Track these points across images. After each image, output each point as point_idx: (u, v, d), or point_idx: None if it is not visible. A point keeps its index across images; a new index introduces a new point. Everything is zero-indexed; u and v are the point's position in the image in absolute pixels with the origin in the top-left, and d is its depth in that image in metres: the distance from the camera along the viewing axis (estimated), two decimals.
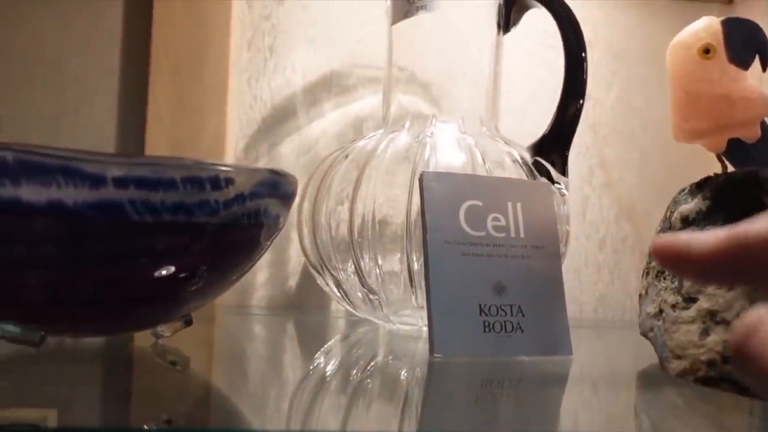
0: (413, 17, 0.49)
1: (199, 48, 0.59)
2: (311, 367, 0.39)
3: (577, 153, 0.66)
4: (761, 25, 0.64)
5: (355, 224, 0.44)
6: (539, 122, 0.48)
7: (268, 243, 0.37)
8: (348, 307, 0.48)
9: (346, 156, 0.47)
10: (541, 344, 0.40)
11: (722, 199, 0.34)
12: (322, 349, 0.46)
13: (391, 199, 0.44)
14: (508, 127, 0.51)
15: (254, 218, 0.33)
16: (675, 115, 0.36)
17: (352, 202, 0.44)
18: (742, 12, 0.67)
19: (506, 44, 0.63)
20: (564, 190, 0.47)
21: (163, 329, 0.37)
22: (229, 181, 0.31)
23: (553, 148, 0.47)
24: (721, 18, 0.34)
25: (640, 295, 0.41)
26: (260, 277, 0.61)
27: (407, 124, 0.48)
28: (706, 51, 0.34)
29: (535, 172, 0.46)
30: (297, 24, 0.62)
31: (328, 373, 0.37)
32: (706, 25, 0.34)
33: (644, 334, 0.39)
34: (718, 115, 0.35)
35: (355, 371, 0.37)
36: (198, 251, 0.33)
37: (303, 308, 0.61)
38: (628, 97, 0.66)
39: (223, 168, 0.31)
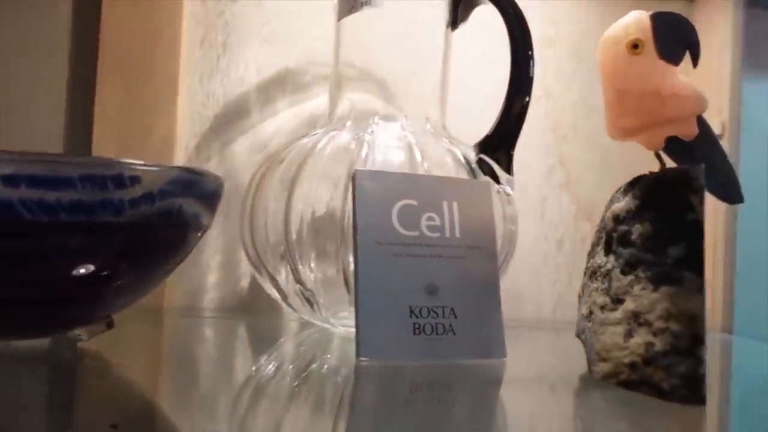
0: (358, 13, 0.48)
1: (148, 46, 0.58)
2: (241, 372, 0.38)
3: (536, 152, 0.65)
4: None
5: (290, 224, 0.43)
6: None
7: (190, 243, 0.36)
8: (290, 310, 0.47)
9: (287, 154, 0.46)
10: (474, 347, 0.39)
11: (652, 198, 0.33)
12: (260, 353, 0.45)
13: (327, 198, 0.43)
14: (467, 126, 0.50)
15: (166, 218, 0.32)
16: (608, 112, 0.35)
17: (288, 202, 0.43)
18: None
19: (465, 44, 0.62)
20: (508, 190, 0.46)
21: (81, 333, 0.36)
22: (135, 180, 0.30)
23: (498, 146, 0.46)
24: (651, 12, 0.33)
25: (579, 296, 0.40)
26: (211, 278, 0.60)
27: (349, 123, 0.47)
28: (635, 46, 0.33)
29: (477, 172, 0.45)
30: (251, 21, 0.61)
31: (251, 379, 0.36)
32: (635, 20, 0.33)
33: (578, 336, 0.38)
34: (649, 113, 0.34)
35: (280, 377, 0.36)
36: (109, 251, 0.32)
37: (255, 311, 0.60)
38: (588, 96, 0.66)
39: (129, 166, 0.30)
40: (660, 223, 0.32)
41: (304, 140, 0.46)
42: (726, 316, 0.61)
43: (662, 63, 0.33)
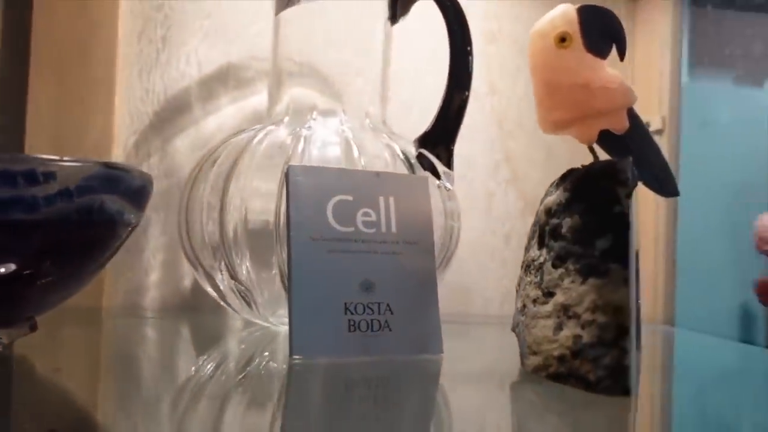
0: (296, 7, 0.47)
1: (84, 40, 0.56)
2: (180, 374, 0.37)
3: (482, 148, 0.65)
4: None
5: (225, 221, 0.42)
6: None
7: (117, 241, 0.35)
8: (228, 308, 0.47)
9: (222, 151, 0.45)
10: (411, 343, 0.39)
11: (581, 191, 0.34)
12: (199, 354, 0.44)
13: (263, 194, 0.42)
14: (413, 121, 0.50)
15: (88, 214, 0.31)
16: (539, 106, 0.36)
17: (223, 199, 0.42)
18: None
19: (411, 39, 0.62)
20: (448, 185, 0.46)
21: (2, 336, 0.34)
22: (50, 176, 0.29)
23: (438, 141, 0.46)
24: (577, 5, 0.33)
25: (516, 290, 0.40)
26: (153, 277, 0.59)
27: (287, 118, 0.46)
28: (563, 39, 0.33)
29: (417, 167, 0.45)
30: (191, 15, 0.60)
31: (190, 380, 0.35)
32: (562, 13, 0.33)
33: (513, 330, 0.38)
34: (579, 106, 0.34)
35: (218, 378, 0.36)
36: (27, 250, 0.30)
37: (198, 310, 0.59)
38: (533, 92, 0.66)
39: (42, 161, 0.29)
40: (588, 215, 0.32)
41: (241, 136, 0.45)
42: (667, 308, 0.62)
43: (590, 56, 0.33)
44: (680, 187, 0.63)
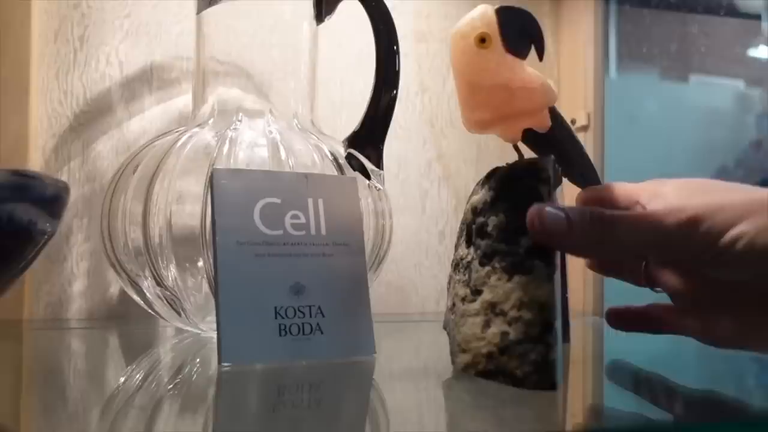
0: (219, 5, 0.46)
1: None
2: (106, 386, 0.36)
3: (415, 146, 0.65)
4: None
5: (149, 227, 0.41)
6: None
7: (31, 250, 0.34)
8: (157, 316, 0.45)
9: (145, 154, 0.43)
10: (343, 345, 0.38)
11: (505, 190, 0.34)
12: (127, 364, 0.42)
13: (187, 198, 0.41)
14: (345, 123, 0.49)
15: None
16: (462, 106, 0.36)
17: (146, 205, 0.41)
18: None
19: (342, 39, 0.61)
20: (379, 185, 0.46)
21: None
22: None
23: (367, 141, 0.46)
24: (496, 6, 0.34)
25: (447, 289, 0.40)
26: (77, 286, 0.56)
27: (212, 120, 0.45)
28: (482, 40, 0.33)
29: (345, 167, 0.44)
30: (110, 14, 0.58)
31: (115, 390, 0.34)
32: (481, 14, 0.33)
33: (445, 328, 0.38)
34: (500, 105, 0.34)
35: (146, 388, 0.34)
36: None
37: (128, 318, 0.57)
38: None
39: None
40: (512, 213, 0.33)
41: (164, 139, 0.44)
42: (596, 299, 0.63)
43: (510, 56, 0.33)
44: (605, 181, 0.65)
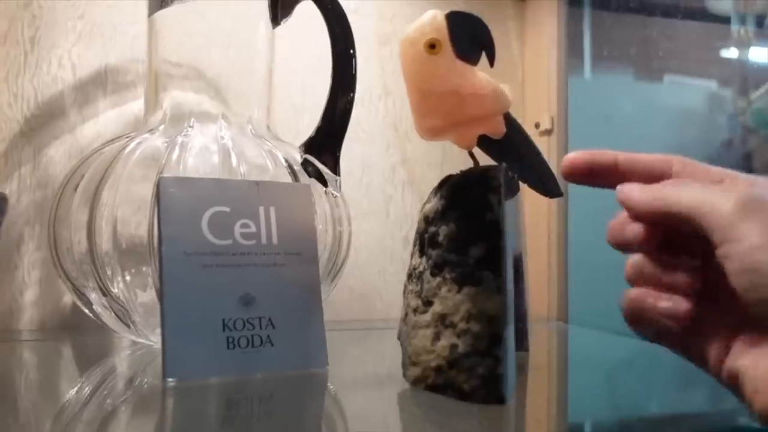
0: (170, 7, 0.45)
1: None
2: (53, 400, 0.35)
3: (378, 151, 0.65)
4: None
5: (95, 236, 0.39)
6: None
7: None
8: (107, 327, 0.44)
9: (93, 161, 0.42)
10: (294, 357, 0.37)
11: (456, 199, 0.33)
12: (76, 377, 0.41)
13: (135, 208, 0.40)
14: (306, 127, 0.48)
15: None
16: (414, 113, 0.35)
17: (92, 214, 0.39)
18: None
19: (303, 43, 0.60)
20: (336, 191, 0.45)
21: None
22: None
23: (323, 146, 0.45)
24: (446, 12, 0.33)
25: (403, 298, 0.40)
26: (28, 296, 0.55)
27: (162, 126, 0.44)
28: (432, 46, 0.32)
29: (301, 174, 0.43)
30: (62, 15, 0.56)
31: (59, 406, 0.33)
32: (431, 20, 0.33)
33: (399, 339, 0.38)
34: (451, 112, 0.33)
35: (93, 403, 0.33)
36: None
37: (82, 329, 0.55)
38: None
39: None
40: (462, 223, 0.32)
41: (112, 145, 0.43)
42: (561, 305, 0.63)
43: (460, 62, 0.33)
44: (572, 185, 0.64)
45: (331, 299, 0.64)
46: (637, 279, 0.24)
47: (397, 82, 0.66)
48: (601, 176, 0.26)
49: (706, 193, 0.22)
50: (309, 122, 0.46)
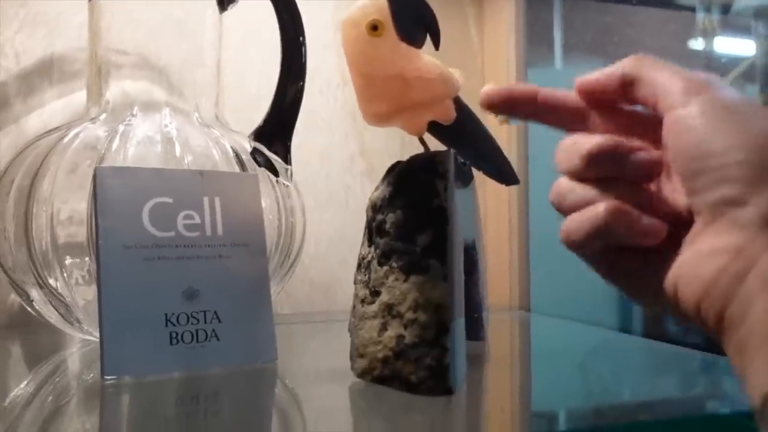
0: None
1: None
2: None
3: (337, 140, 0.64)
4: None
5: (31, 231, 0.38)
6: None
7: None
8: (55, 324, 0.42)
9: (29, 153, 0.40)
10: (242, 352, 0.36)
11: (403, 185, 0.32)
12: (18, 376, 0.40)
13: (73, 201, 0.38)
14: (262, 116, 0.47)
15: None
16: (358, 98, 0.34)
17: (27, 205, 0.38)
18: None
19: (261, 30, 0.59)
20: (287, 181, 0.44)
21: None
22: None
23: (273, 135, 0.44)
24: None
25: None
26: None
27: (104, 115, 0.42)
28: (374, 28, 0.31)
29: (250, 163, 0.42)
30: (4, 3, 0.54)
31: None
32: (372, 1, 0.32)
33: (349, 331, 0.37)
34: (396, 97, 0.32)
35: (33, 405, 0.32)
36: None
37: (31, 326, 0.53)
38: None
39: None
40: (409, 210, 0.31)
41: (51, 136, 0.41)
42: (523, 294, 0.63)
43: (404, 45, 0.32)
44: (532, 173, 0.64)
45: (291, 291, 0.63)
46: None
47: None
48: (520, 106, 0.25)
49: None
50: (264, 111, 0.45)
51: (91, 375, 0.37)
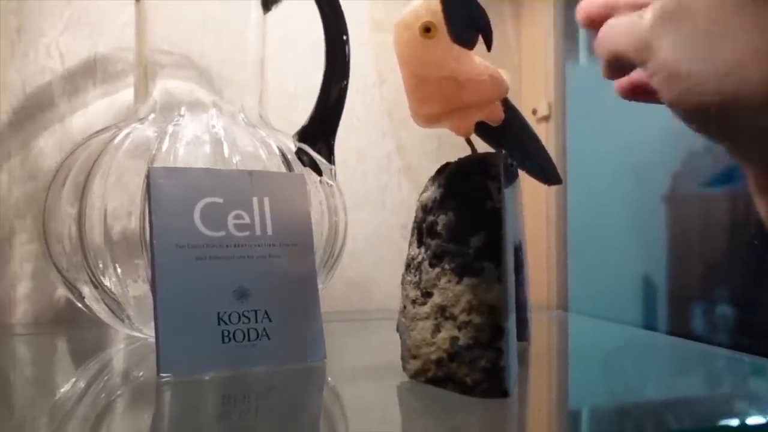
0: None
1: None
2: (40, 392, 0.34)
3: (374, 139, 0.64)
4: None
5: (84, 229, 0.38)
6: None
7: None
8: (103, 320, 0.43)
9: (82, 152, 0.41)
10: (291, 351, 0.37)
11: (454, 187, 0.33)
12: (68, 372, 0.40)
13: (125, 200, 0.39)
14: (301, 115, 0.47)
15: None
16: (409, 99, 0.34)
17: (81, 204, 0.38)
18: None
19: (298, 32, 0.59)
20: (331, 180, 0.44)
21: None
22: None
23: (317, 135, 0.44)
24: None
25: (401, 290, 0.39)
26: (21, 289, 0.54)
27: (153, 115, 0.43)
28: (427, 30, 0.31)
29: (295, 163, 0.43)
30: (48, 3, 0.55)
31: (53, 402, 0.32)
32: (425, 3, 0.32)
33: (397, 331, 0.37)
34: (448, 99, 0.33)
35: (87, 398, 0.32)
36: None
37: (77, 322, 0.54)
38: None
39: None
40: (461, 212, 0.31)
41: (102, 136, 0.42)
42: (561, 294, 0.62)
43: (457, 47, 0.32)
44: (570, 171, 0.63)
45: (328, 290, 0.64)
46: None
47: (392, 69, 0.64)
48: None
49: (628, 27, 0.23)
50: (304, 111, 0.46)
51: (141, 372, 0.37)
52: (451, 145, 0.64)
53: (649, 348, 0.49)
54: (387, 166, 0.64)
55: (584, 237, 0.63)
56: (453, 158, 0.34)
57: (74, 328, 0.53)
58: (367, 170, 0.64)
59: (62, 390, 0.35)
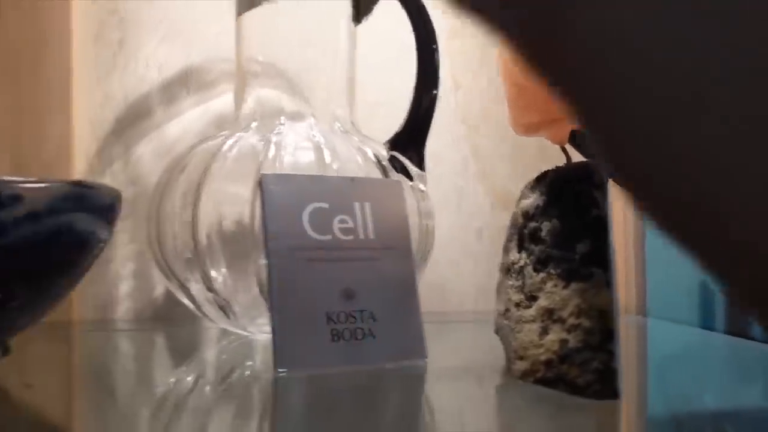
0: (259, 7, 0.46)
1: (36, 46, 0.54)
2: (153, 385, 0.36)
3: (449, 144, 0.65)
4: None
5: (198, 232, 0.41)
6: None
7: (88, 259, 0.34)
8: (206, 318, 0.46)
9: (191, 159, 0.44)
10: (395, 349, 0.38)
11: (557, 195, 0.34)
12: (176, 366, 0.43)
13: (235, 203, 0.41)
14: (381, 124, 0.49)
15: (56, 236, 0.30)
16: (510, 109, 0.35)
17: (195, 209, 0.41)
18: None
19: (378, 38, 0.61)
20: (422, 186, 0.46)
21: None
22: (16, 199, 0.28)
23: (409, 142, 0.46)
24: None
25: (497, 292, 0.40)
26: (123, 288, 0.57)
27: (255, 123, 0.45)
28: None
29: (389, 170, 0.44)
30: (146, 18, 0.58)
31: (167, 392, 0.34)
32: None
33: (496, 333, 0.38)
34: (547, 108, 0.34)
35: (199, 390, 0.35)
36: None
37: (173, 320, 0.57)
38: (497, 86, 0.66)
39: (8, 184, 0.28)
40: (566, 219, 0.33)
41: (209, 143, 0.44)
42: (639, 298, 0.63)
43: None
44: None
45: None
46: None
47: (465, 75, 0.66)
48: None
49: None
50: (384, 119, 0.47)
51: (256, 367, 0.40)
52: (525, 149, 0.65)
53: (730, 353, 0.49)
54: (462, 171, 0.65)
55: (661, 242, 0.63)
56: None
57: (172, 325, 0.56)
58: (442, 174, 0.65)
59: (186, 382, 0.37)
